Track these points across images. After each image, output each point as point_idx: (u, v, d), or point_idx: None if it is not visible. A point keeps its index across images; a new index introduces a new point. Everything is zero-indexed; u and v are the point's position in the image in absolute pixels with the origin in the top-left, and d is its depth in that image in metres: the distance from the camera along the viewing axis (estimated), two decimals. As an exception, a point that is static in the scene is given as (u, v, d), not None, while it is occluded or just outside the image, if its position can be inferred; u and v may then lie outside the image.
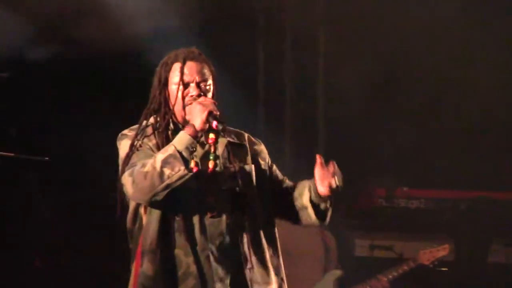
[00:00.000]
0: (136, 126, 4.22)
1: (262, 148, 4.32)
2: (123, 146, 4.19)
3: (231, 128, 4.23)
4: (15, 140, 6.79)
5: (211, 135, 4.00)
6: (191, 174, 3.95)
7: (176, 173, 3.94)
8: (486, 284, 6.80)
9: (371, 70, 7.46)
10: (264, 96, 8.02)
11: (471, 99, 7.33)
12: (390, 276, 6.36)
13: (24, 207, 6.93)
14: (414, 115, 7.74)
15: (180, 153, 3.98)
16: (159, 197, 3.98)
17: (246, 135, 4.30)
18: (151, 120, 4.17)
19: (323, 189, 4.07)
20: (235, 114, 4.58)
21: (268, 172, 4.27)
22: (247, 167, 4.21)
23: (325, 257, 6.71)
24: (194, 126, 4.01)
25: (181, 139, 4.02)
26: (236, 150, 4.22)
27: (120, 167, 4.17)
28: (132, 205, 4.17)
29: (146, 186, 3.97)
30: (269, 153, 4.29)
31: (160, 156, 3.99)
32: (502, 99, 7.29)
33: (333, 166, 4.09)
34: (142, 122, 4.17)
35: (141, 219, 4.17)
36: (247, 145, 4.26)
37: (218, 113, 4.07)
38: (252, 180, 4.19)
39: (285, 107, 8.28)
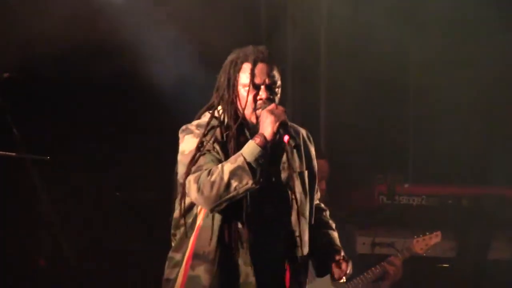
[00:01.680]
0: (201, 122, 4.15)
1: (313, 150, 4.32)
2: (188, 143, 4.11)
3: (290, 123, 4.18)
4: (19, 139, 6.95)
5: (286, 136, 3.97)
6: (257, 187, 3.94)
7: (244, 186, 3.92)
8: (488, 281, 6.81)
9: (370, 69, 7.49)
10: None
11: (471, 95, 7.41)
12: (402, 259, 6.39)
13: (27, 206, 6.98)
14: (415, 111, 7.73)
15: (249, 164, 3.95)
16: (223, 206, 3.96)
17: (302, 133, 4.29)
18: (212, 119, 4.12)
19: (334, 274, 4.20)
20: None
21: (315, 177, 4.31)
22: (301, 174, 4.21)
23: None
24: (264, 136, 3.97)
25: (251, 150, 3.99)
26: (293, 152, 4.21)
27: (184, 164, 4.10)
28: (188, 199, 4.12)
29: (212, 196, 3.95)
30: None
31: (229, 166, 3.96)
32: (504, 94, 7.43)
33: (346, 267, 4.15)
34: (210, 121, 4.11)
35: (195, 217, 4.12)
36: (302, 146, 4.23)
37: (289, 123, 4.04)
38: (305, 188, 4.20)
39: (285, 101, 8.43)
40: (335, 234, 4.39)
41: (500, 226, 6.98)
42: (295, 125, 4.23)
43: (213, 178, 3.97)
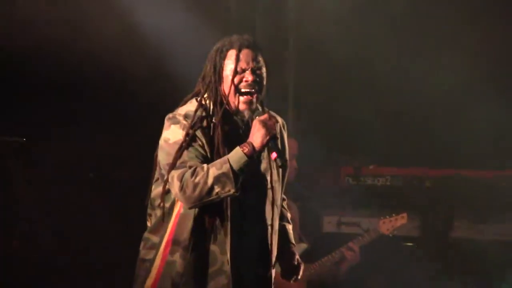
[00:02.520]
0: (188, 112, 4.23)
1: (286, 140, 4.43)
2: (173, 132, 4.19)
3: (270, 112, 4.28)
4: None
5: (274, 155, 4.10)
6: (237, 193, 4.06)
7: (226, 192, 4.03)
8: (450, 258, 7.02)
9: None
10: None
11: (434, 80, 7.63)
12: (360, 245, 6.55)
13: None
14: (373, 95, 7.90)
15: (233, 172, 4.05)
16: (201, 205, 4.12)
17: (279, 123, 4.41)
18: (199, 108, 4.18)
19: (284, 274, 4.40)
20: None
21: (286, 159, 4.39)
22: (276, 168, 4.33)
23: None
24: (253, 146, 4.08)
25: (238, 158, 4.09)
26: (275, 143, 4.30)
27: (166, 153, 4.19)
28: (159, 187, 4.26)
29: (194, 197, 4.05)
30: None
31: (214, 171, 4.06)
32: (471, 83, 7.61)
33: (298, 273, 4.37)
34: (197, 110, 4.19)
35: (173, 202, 4.23)
36: (279, 136, 4.33)
37: (279, 137, 4.19)
38: (280, 178, 4.35)
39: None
40: (290, 228, 4.56)
41: (461, 206, 7.14)
42: (274, 114, 4.32)
43: (197, 179, 4.06)
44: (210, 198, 4.07)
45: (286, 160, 4.26)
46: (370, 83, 7.91)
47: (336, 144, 7.61)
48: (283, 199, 4.51)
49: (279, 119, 4.35)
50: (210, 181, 4.06)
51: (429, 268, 7.06)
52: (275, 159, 4.11)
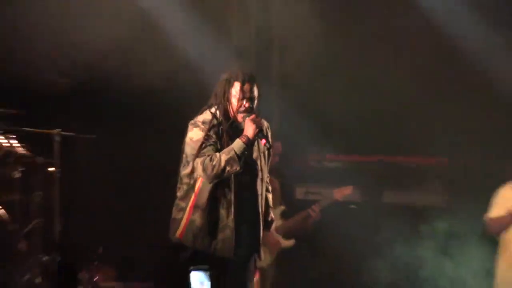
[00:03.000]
0: (205, 120, 5.21)
1: (270, 136, 5.40)
2: (195, 133, 5.23)
3: (260, 119, 5.25)
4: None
5: (263, 140, 5.20)
6: (241, 170, 5.08)
7: (233, 170, 5.09)
8: (380, 215, 8.44)
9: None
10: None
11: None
12: (320, 207, 7.93)
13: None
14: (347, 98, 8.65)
15: (238, 156, 5.09)
16: (217, 181, 5.15)
17: (266, 124, 5.38)
18: (212, 117, 5.18)
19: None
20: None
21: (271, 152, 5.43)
22: (264, 153, 5.37)
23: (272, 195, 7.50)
24: (248, 137, 5.12)
25: (239, 146, 5.11)
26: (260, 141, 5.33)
27: (194, 150, 5.18)
28: (190, 166, 5.20)
29: (212, 175, 5.13)
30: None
31: (224, 156, 5.07)
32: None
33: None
34: (212, 119, 5.21)
35: (195, 180, 5.27)
36: (265, 130, 5.34)
37: (264, 130, 5.23)
38: (266, 161, 5.38)
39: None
40: (270, 196, 5.63)
41: (389, 182, 8.58)
42: (263, 120, 5.33)
43: (213, 163, 5.06)
44: (224, 176, 5.09)
45: (270, 146, 5.26)
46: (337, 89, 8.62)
47: (307, 138, 8.74)
48: (268, 177, 5.53)
49: (265, 122, 5.35)
50: (222, 163, 5.05)
51: (366, 222, 8.35)
52: (264, 144, 5.18)
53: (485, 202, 7.50)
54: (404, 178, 8.68)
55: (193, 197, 5.27)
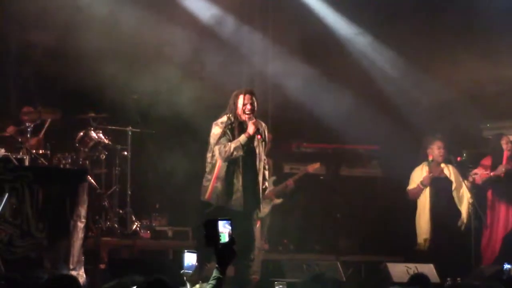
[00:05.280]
0: (223, 121, 6.96)
1: (267, 133, 7.22)
2: (216, 130, 7.11)
3: (258, 120, 7.00)
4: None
5: (259, 135, 7.09)
6: (244, 154, 6.96)
7: (239, 153, 7.12)
8: (342, 187, 10.70)
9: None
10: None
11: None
12: (294, 179, 9.94)
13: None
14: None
15: (242, 145, 7.01)
16: (229, 160, 7.13)
17: (263, 124, 7.24)
18: (227, 119, 6.96)
19: None
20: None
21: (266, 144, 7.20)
22: (261, 145, 7.18)
23: (267, 171, 8.68)
24: (249, 133, 6.98)
25: (243, 139, 7.00)
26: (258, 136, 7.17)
27: (214, 140, 6.98)
28: (211, 152, 7.07)
29: (225, 157, 7.16)
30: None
31: (233, 145, 6.99)
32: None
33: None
34: (227, 121, 7.04)
35: (216, 161, 7.29)
36: (263, 130, 7.24)
37: (261, 129, 6.95)
38: (263, 149, 7.25)
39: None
40: (266, 172, 7.40)
41: (343, 161, 10.75)
42: (261, 121, 7.12)
43: (226, 149, 6.98)
44: (232, 157, 7.03)
45: (264, 139, 7.08)
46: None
47: (293, 133, 10.91)
48: (265, 159, 7.35)
49: (263, 123, 7.27)
50: (232, 149, 7.00)
51: (328, 190, 10.57)
52: (259, 138, 7.03)
53: (407, 176, 9.71)
54: (353, 158, 11.02)
55: (216, 171, 7.25)
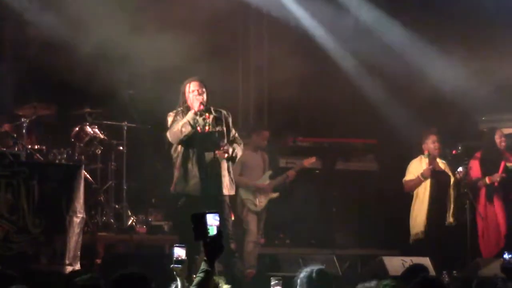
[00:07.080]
0: (174, 111, 7.25)
1: (230, 119, 7.55)
2: (169, 120, 7.42)
3: (217, 109, 7.30)
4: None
5: (207, 114, 7.35)
6: (193, 131, 7.11)
7: (187, 130, 7.24)
8: (334, 180, 10.91)
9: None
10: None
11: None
12: (295, 171, 10.12)
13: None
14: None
15: (188, 121, 7.26)
16: (182, 141, 7.27)
17: (224, 112, 7.51)
18: (177, 108, 7.25)
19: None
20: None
21: (230, 130, 7.46)
22: (220, 128, 7.41)
23: (263, 165, 10.18)
24: (193, 109, 7.23)
25: (189, 115, 7.27)
26: (217, 120, 7.48)
27: (169, 128, 7.19)
28: (172, 148, 7.35)
29: (176, 137, 7.40)
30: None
31: (180, 123, 7.20)
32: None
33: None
34: (179, 110, 7.35)
35: (177, 150, 7.54)
36: (223, 117, 7.50)
37: (210, 109, 7.25)
38: (223, 135, 7.39)
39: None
40: (238, 147, 7.57)
41: (339, 155, 10.91)
42: (219, 109, 7.33)
43: (174, 130, 7.22)
44: (182, 136, 7.20)
45: (229, 126, 7.17)
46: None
47: (290, 128, 11.04)
48: (236, 137, 7.40)
49: (224, 111, 7.44)
50: (180, 127, 7.18)
51: (324, 184, 10.57)
52: (207, 117, 7.11)
53: (403, 168, 9.79)
54: (349, 152, 11.09)
55: (177, 163, 7.69)
